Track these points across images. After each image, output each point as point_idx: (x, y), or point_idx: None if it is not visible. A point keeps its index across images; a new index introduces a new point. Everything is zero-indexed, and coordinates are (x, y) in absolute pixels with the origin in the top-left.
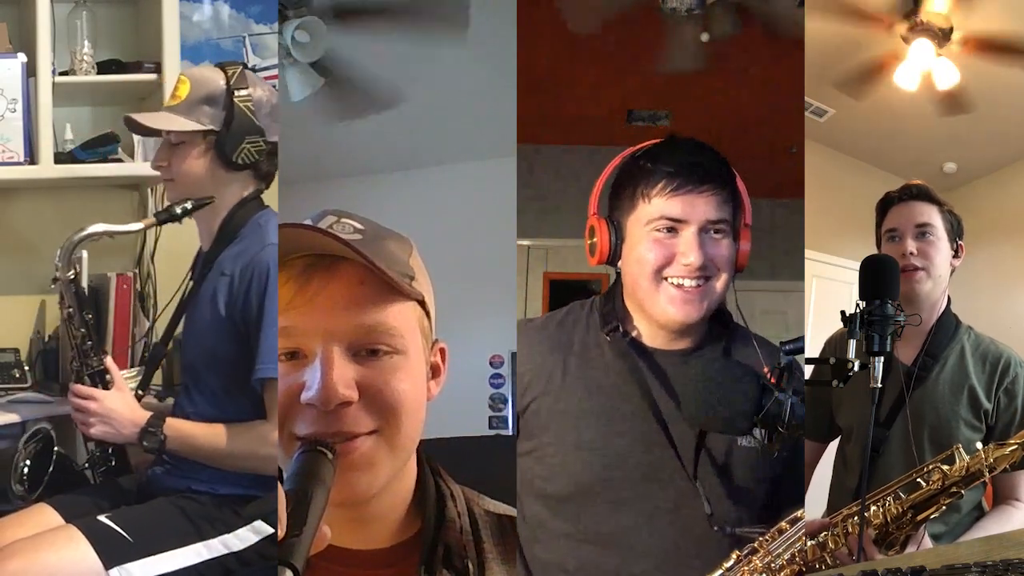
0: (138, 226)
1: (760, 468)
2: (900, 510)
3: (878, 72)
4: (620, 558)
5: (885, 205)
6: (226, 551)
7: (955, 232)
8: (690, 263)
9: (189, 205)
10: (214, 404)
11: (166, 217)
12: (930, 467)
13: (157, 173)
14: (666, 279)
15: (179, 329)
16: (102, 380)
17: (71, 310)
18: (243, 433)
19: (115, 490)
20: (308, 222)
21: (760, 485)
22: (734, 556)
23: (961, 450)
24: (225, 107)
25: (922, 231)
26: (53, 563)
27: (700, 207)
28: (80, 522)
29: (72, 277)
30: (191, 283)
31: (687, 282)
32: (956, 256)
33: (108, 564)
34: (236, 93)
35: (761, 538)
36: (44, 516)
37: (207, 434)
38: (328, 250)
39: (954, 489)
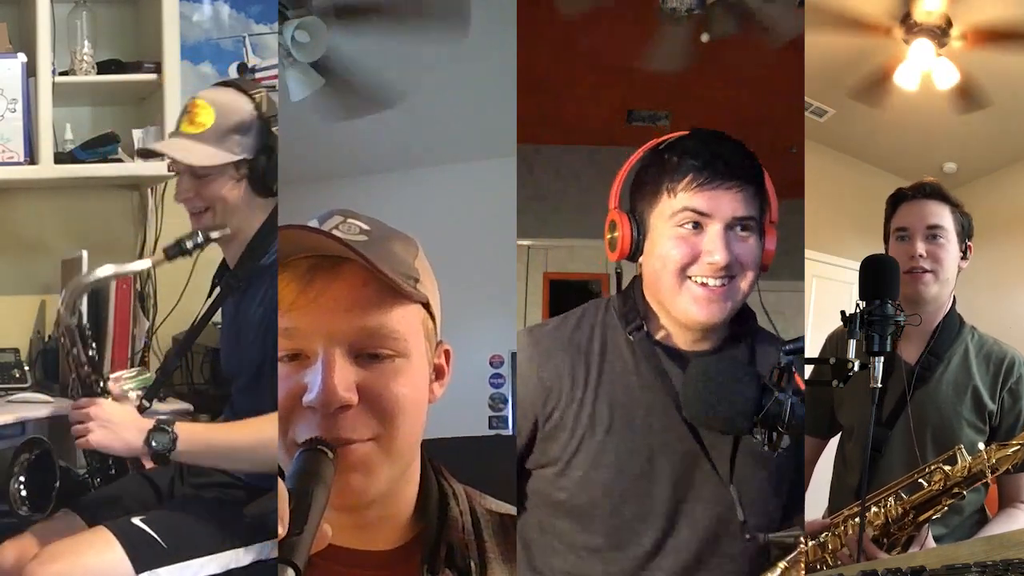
0: (146, 264)
1: (785, 472)
2: (902, 511)
3: (887, 78)
4: (647, 570)
5: (896, 201)
6: (255, 559)
7: (965, 233)
8: (715, 262)
9: (200, 239)
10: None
11: (176, 252)
12: (932, 467)
13: (157, 173)
14: (690, 278)
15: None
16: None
17: (76, 351)
18: (261, 425)
19: (142, 486)
20: (314, 222)
21: (784, 489)
22: (781, 566)
23: (963, 450)
24: (258, 135)
25: (933, 233)
26: (93, 566)
27: (727, 203)
28: (113, 524)
29: (76, 323)
30: (215, 295)
31: (712, 281)
32: (964, 257)
33: (139, 569)
34: (272, 122)
35: (802, 546)
36: (72, 524)
37: (221, 429)
38: (331, 251)
39: (956, 490)
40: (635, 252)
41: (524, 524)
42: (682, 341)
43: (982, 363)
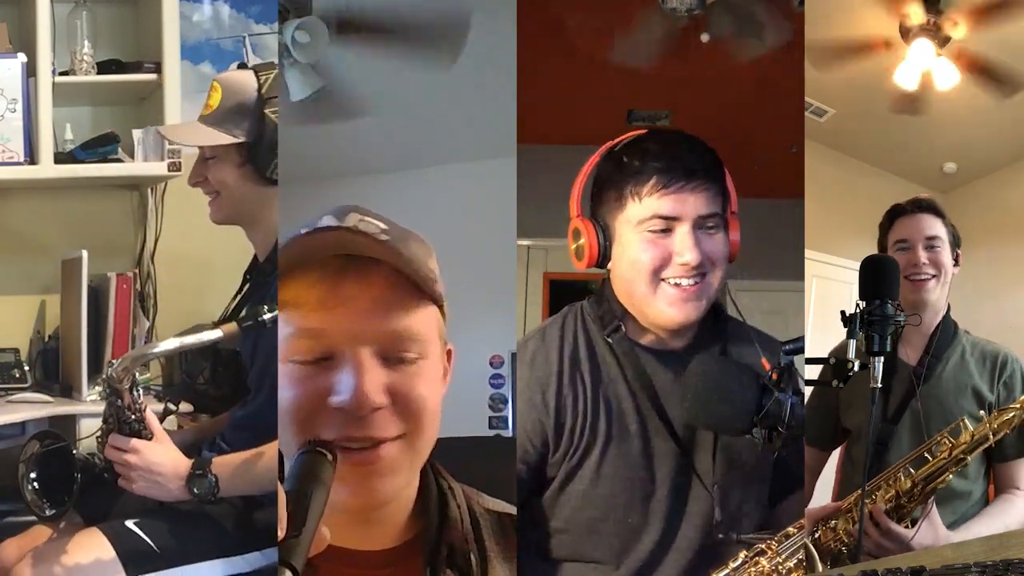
0: (217, 334)
1: (773, 470)
2: (911, 484)
3: (858, 52)
4: None
5: (893, 216)
6: (248, 568)
7: (955, 243)
8: (687, 262)
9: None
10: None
11: (253, 325)
12: (938, 440)
13: (157, 173)
14: (664, 280)
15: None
16: (139, 437)
17: (119, 403)
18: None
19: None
20: (329, 217)
21: (772, 487)
22: (742, 556)
23: (967, 422)
24: (257, 118)
25: (931, 243)
26: (84, 569)
27: (692, 203)
28: (107, 526)
29: (128, 387)
30: (245, 290)
31: (685, 281)
32: (956, 264)
33: (131, 573)
34: (268, 103)
35: (769, 541)
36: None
37: (255, 456)
38: (361, 252)
39: (961, 457)
40: (603, 259)
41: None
42: (656, 340)
43: (978, 361)
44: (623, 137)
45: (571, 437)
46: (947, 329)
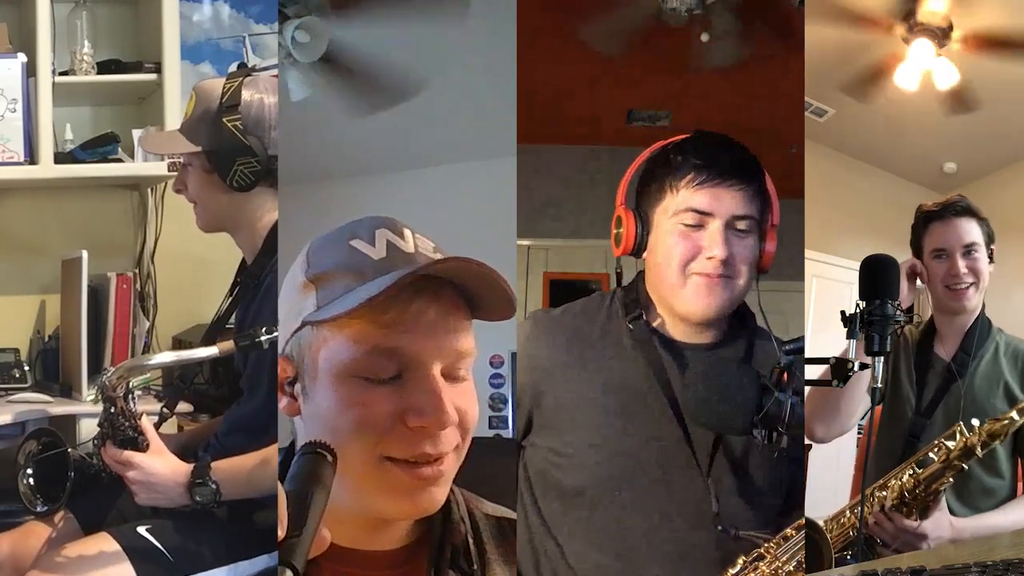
0: (213, 351)
1: (775, 469)
2: (914, 483)
3: (881, 74)
4: (631, 562)
5: (927, 220)
6: (260, 570)
7: (990, 241)
8: (715, 256)
9: (275, 333)
10: (269, 413)
11: (249, 345)
12: (937, 444)
13: (157, 173)
14: (693, 274)
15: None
16: (135, 445)
17: (113, 409)
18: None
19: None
20: (389, 230)
21: (774, 487)
22: (740, 561)
23: (963, 427)
24: (217, 126)
25: (969, 250)
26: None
27: (726, 201)
28: (117, 532)
29: (123, 395)
30: (235, 294)
31: (711, 276)
32: (991, 261)
33: None
34: (227, 111)
35: (767, 544)
36: (70, 528)
37: (254, 459)
38: (481, 280)
39: (956, 463)
40: (639, 248)
41: (520, 503)
42: (680, 334)
43: (1011, 360)
44: (675, 138)
45: (556, 398)
46: (981, 327)
